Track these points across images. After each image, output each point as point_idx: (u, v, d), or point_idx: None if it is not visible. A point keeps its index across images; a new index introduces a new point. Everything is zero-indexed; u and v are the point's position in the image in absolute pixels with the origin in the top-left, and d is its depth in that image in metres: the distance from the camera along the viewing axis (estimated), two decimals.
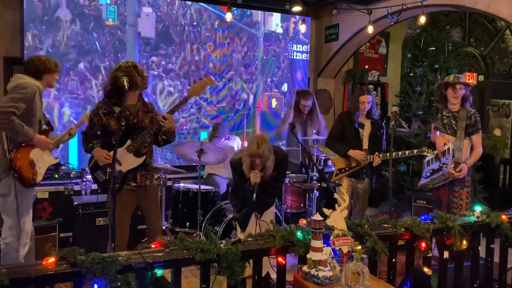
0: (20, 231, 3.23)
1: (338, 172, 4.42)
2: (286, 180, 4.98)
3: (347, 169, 4.36)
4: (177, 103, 3.57)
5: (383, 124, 4.40)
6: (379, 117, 4.45)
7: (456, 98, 3.98)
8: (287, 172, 5.12)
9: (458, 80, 3.95)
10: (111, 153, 3.14)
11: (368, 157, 4.24)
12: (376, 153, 4.22)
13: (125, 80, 3.12)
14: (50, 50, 5.22)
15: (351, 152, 4.29)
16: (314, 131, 5.26)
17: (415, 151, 4.18)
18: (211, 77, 3.74)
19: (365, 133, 4.35)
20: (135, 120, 3.37)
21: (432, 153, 4.06)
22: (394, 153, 4.01)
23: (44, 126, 3.51)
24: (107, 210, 4.18)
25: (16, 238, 3.21)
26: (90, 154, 3.44)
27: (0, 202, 3.23)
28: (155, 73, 5.81)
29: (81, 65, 5.41)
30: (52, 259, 2.03)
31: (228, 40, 6.27)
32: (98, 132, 3.41)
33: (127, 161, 3.34)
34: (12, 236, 3.20)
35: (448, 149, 3.89)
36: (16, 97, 3.15)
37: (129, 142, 3.35)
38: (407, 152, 4.22)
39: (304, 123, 5.34)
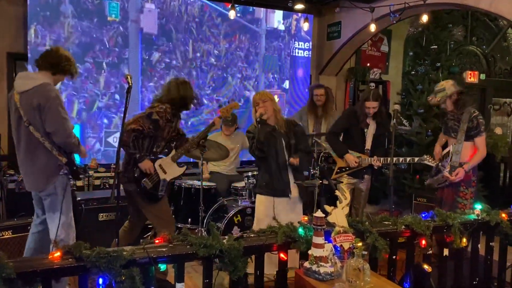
0: (69, 226, 3.22)
1: (338, 170, 4.45)
2: None
3: (347, 168, 4.39)
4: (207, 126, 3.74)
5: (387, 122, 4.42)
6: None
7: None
8: None
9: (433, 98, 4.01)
10: (156, 164, 3.44)
11: (369, 159, 4.28)
12: (375, 156, 4.25)
13: (128, 76, 3.14)
14: (53, 46, 5.23)
15: (346, 156, 4.34)
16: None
17: (416, 159, 4.20)
18: (236, 101, 4.32)
19: (369, 132, 4.38)
20: (175, 131, 3.60)
21: (433, 161, 4.07)
22: (395, 159, 4.04)
23: None
24: (110, 205, 4.22)
25: (67, 234, 3.19)
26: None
27: (48, 201, 3.14)
28: (157, 69, 5.83)
29: (85, 61, 5.43)
30: (58, 253, 2.06)
31: (230, 36, 6.28)
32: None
33: (172, 170, 3.51)
34: (65, 233, 3.17)
35: (448, 152, 3.92)
36: (62, 111, 3.02)
37: (173, 152, 3.52)
38: (408, 158, 4.24)
39: (319, 118, 5.36)
